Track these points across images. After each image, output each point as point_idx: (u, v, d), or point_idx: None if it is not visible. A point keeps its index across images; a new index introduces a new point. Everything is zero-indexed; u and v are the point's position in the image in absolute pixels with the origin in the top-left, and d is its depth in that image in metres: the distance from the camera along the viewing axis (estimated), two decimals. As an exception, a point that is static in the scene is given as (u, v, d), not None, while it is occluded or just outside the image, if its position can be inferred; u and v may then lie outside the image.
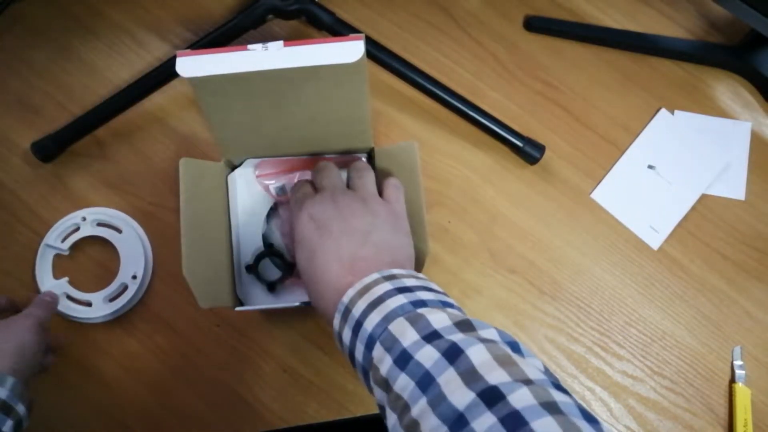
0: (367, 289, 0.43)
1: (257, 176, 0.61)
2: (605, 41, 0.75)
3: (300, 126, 0.57)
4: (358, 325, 0.42)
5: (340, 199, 0.51)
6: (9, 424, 0.51)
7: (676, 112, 0.73)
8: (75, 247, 0.65)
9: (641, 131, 0.72)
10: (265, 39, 0.73)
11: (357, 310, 0.42)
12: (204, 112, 0.55)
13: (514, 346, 0.37)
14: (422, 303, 0.41)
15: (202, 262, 0.53)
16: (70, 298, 0.64)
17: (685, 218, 0.69)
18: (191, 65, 0.48)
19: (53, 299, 0.62)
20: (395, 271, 0.45)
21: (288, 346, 0.64)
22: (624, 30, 0.76)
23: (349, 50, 0.48)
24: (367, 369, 0.41)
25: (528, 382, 0.32)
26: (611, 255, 0.68)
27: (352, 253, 0.48)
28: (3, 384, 0.51)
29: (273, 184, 0.61)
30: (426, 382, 0.35)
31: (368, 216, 0.50)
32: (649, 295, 0.67)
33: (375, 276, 0.44)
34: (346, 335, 0.43)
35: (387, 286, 0.43)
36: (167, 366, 0.63)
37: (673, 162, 0.71)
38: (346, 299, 0.44)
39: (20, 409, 0.52)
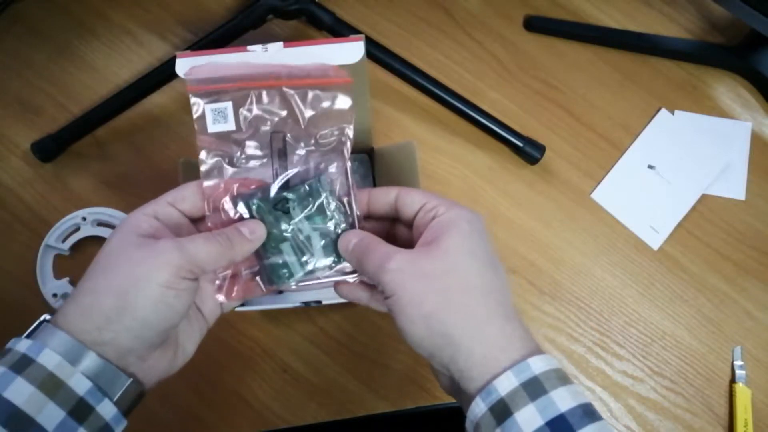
0: (560, 377, 0.35)
1: (189, 89, 0.43)
2: (605, 41, 0.75)
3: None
4: (565, 427, 0.33)
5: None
6: None
7: (676, 112, 0.73)
8: (75, 247, 0.65)
9: (641, 131, 0.72)
10: (265, 39, 0.73)
11: (562, 402, 0.34)
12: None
13: None
14: None
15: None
16: (70, 298, 0.64)
17: (685, 218, 0.69)
18: (191, 66, 0.48)
19: (254, 237, 0.42)
20: (559, 367, 0.36)
21: (288, 346, 0.64)
22: (624, 30, 0.76)
23: (350, 51, 0.48)
24: None
25: None
26: (611, 255, 0.68)
27: (511, 311, 0.38)
28: (76, 363, 0.35)
29: (210, 104, 0.43)
30: None
31: None
32: (649, 295, 0.67)
33: (550, 363, 0.35)
34: (530, 417, 0.33)
35: (569, 402, 0.34)
36: (167, 366, 0.63)
37: (673, 162, 0.71)
38: (537, 368, 0.35)
39: (105, 410, 0.36)
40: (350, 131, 0.44)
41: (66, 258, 0.65)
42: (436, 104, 0.69)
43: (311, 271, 0.44)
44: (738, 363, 0.64)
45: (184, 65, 0.48)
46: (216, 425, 0.61)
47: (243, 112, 0.43)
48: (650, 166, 0.71)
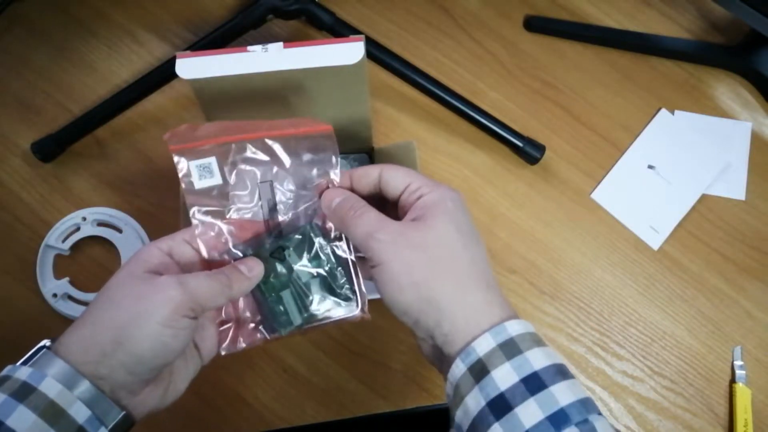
0: (534, 340, 0.37)
1: (171, 149, 0.43)
2: (605, 41, 0.75)
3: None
4: (538, 384, 0.35)
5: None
6: None
7: (676, 112, 0.73)
8: (75, 247, 0.65)
9: (641, 131, 0.72)
10: (265, 39, 0.73)
11: (536, 361, 0.35)
12: (204, 113, 0.55)
13: None
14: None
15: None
16: (71, 298, 0.64)
17: (685, 218, 0.69)
18: (191, 67, 0.48)
19: (252, 275, 0.43)
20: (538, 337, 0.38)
21: (288, 346, 0.64)
22: (624, 30, 0.76)
23: (350, 52, 0.48)
24: None
25: None
26: (611, 255, 0.68)
27: (491, 280, 0.40)
28: (73, 388, 0.36)
29: (194, 161, 0.43)
30: None
31: None
32: (649, 295, 0.67)
33: (525, 327, 0.37)
34: (506, 374, 0.35)
35: (542, 362, 0.36)
36: (167, 366, 0.63)
37: (673, 162, 0.71)
38: (513, 331, 0.36)
39: None
40: (336, 176, 0.44)
41: (66, 258, 0.66)
42: (436, 104, 0.69)
43: (312, 315, 0.45)
44: (738, 363, 0.64)
45: (184, 65, 0.48)
46: (216, 425, 0.61)
47: (228, 165, 0.43)
48: (650, 166, 0.71)
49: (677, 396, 0.64)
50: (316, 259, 0.45)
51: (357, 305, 0.46)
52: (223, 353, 0.45)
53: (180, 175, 0.43)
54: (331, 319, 0.45)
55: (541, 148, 0.69)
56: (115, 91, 0.69)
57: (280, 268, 0.44)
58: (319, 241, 0.45)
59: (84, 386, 0.36)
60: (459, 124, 0.70)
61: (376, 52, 0.67)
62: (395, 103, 0.72)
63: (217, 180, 0.43)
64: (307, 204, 0.45)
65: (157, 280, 0.38)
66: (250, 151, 0.44)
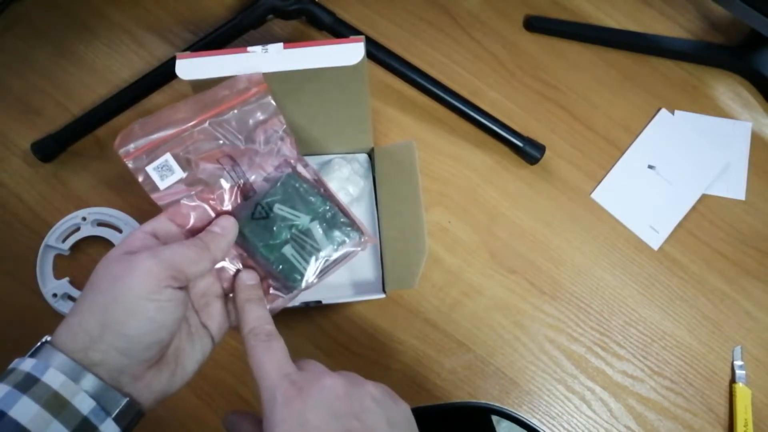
0: None
1: (124, 158, 0.44)
2: (605, 41, 0.75)
3: (300, 127, 0.57)
4: None
5: (363, 399, 0.41)
6: None
7: (676, 112, 0.73)
8: (75, 247, 0.65)
9: (641, 131, 0.72)
10: (265, 39, 0.73)
11: None
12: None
13: None
14: None
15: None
16: (71, 298, 0.64)
17: (685, 218, 0.69)
18: (191, 67, 0.48)
19: (225, 231, 0.43)
20: None
21: (288, 346, 0.63)
22: (624, 30, 0.76)
23: (350, 52, 0.48)
24: None
25: None
26: (611, 255, 0.68)
27: None
28: (79, 381, 0.35)
29: (150, 164, 0.44)
30: None
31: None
32: (649, 295, 0.67)
33: None
34: None
35: None
36: (168, 366, 0.63)
37: (673, 162, 0.71)
38: None
39: (108, 429, 0.36)
40: (286, 130, 0.46)
41: (66, 258, 0.66)
42: (436, 104, 0.69)
43: (322, 259, 0.45)
44: (738, 363, 0.64)
45: (184, 66, 0.48)
46: (216, 425, 0.61)
47: (182, 156, 0.44)
48: (650, 166, 0.71)
49: (677, 396, 0.64)
50: (306, 204, 0.45)
51: (359, 234, 0.46)
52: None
53: (141, 181, 0.43)
54: (341, 256, 0.46)
55: (541, 148, 0.69)
56: (115, 91, 0.69)
57: (272, 225, 0.44)
58: (301, 186, 0.45)
59: (88, 376, 0.35)
60: (459, 124, 0.70)
61: (376, 52, 0.67)
62: (395, 103, 0.72)
63: (178, 174, 0.44)
64: (274, 163, 0.46)
65: (132, 257, 0.38)
66: (200, 136, 0.44)
